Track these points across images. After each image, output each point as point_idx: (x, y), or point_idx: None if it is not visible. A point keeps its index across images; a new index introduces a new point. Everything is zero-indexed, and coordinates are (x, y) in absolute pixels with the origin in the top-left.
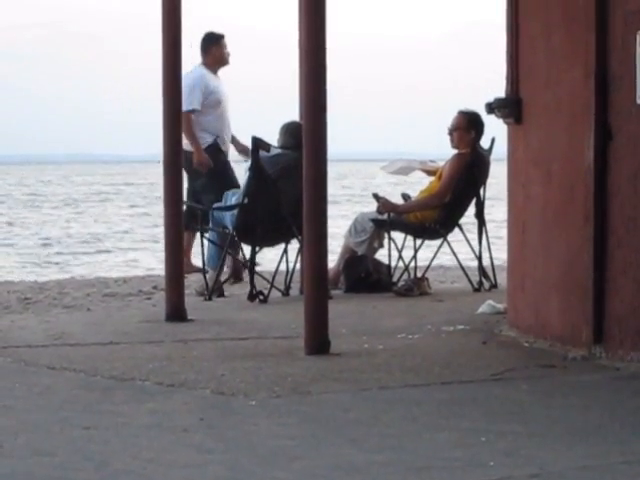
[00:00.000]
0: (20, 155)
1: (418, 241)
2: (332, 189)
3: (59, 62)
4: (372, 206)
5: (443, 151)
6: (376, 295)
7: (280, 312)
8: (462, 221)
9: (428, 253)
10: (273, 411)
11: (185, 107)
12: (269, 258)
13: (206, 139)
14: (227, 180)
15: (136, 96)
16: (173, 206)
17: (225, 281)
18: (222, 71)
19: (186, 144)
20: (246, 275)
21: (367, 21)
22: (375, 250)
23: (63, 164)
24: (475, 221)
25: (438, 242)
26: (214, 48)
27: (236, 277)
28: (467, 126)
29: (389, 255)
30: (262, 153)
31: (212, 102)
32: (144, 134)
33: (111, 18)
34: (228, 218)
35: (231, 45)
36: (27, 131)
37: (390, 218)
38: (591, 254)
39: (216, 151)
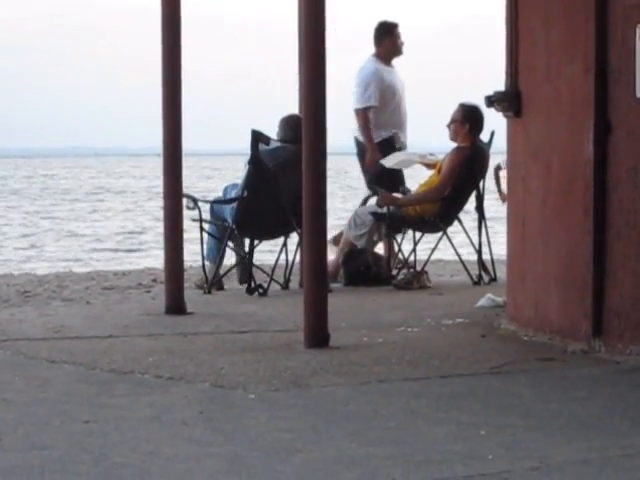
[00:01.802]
0: (21, 148)
1: (418, 234)
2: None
3: (59, 55)
4: (371, 199)
5: (443, 144)
6: (375, 288)
7: (279, 305)
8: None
9: (428, 246)
10: (272, 404)
11: (361, 104)
12: (269, 251)
13: (382, 134)
14: (392, 179)
15: (138, 88)
16: (172, 198)
17: (225, 274)
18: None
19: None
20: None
21: (365, 13)
22: (375, 244)
23: (67, 157)
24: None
25: (438, 235)
26: (388, 39)
27: (244, 277)
28: (462, 119)
29: (388, 248)
30: (262, 146)
31: (388, 96)
32: (145, 127)
33: (111, 10)
34: (228, 211)
35: (232, 36)
36: (28, 124)
37: (390, 212)
38: (590, 247)
39: (389, 147)
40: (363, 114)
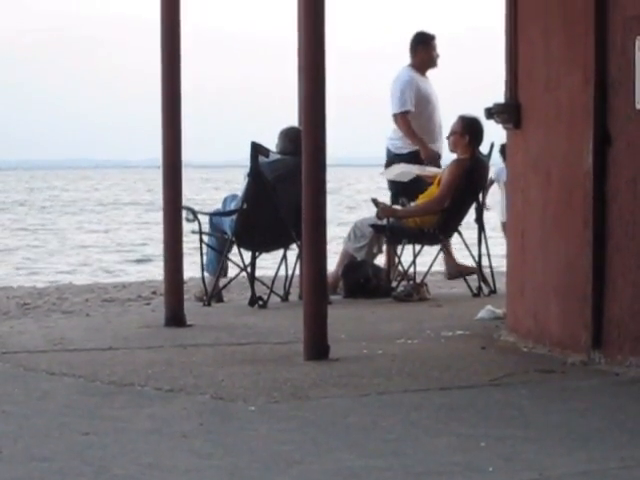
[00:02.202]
0: (21, 161)
1: (417, 246)
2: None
3: (59, 67)
4: (371, 211)
5: (445, 156)
6: (375, 300)
7: (279, 317)
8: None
9: (427, 258)
10: (272, 416)
11: (398, 108)
12: (268, 263)
13: (412, 145)
14: (421, 186)
15: (138, 100)
16: (172, 210)
17: (224, 286)
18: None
19: (393, 146)
20: (245, 280)
21: (368, 26)
22: (374, 256)
23: (68, 169)
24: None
25: (437, 247)
26: (423, 50)
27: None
28: (462, 131)
29: (388, 260)
30: (261, 159)
31: (422, 105)
32: (146, 139)
33: (111, 22)
34: (227, 223)
35: (231, 50)
36: (28, 136)
37: (389, 224)
38: (590, 259)
39: (417, 158)
40: (403, 118)
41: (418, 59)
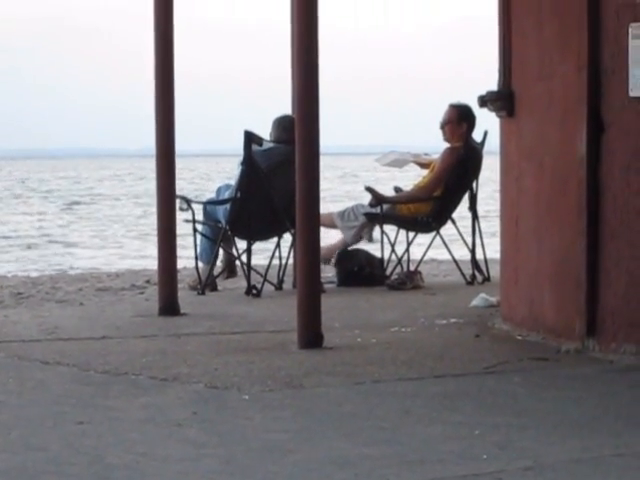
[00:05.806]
0: (19, 150)
1: (411, 234)
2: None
3: (57, 56)
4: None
5: (437, 144)
6: (369, 289)
7: (273, 306)
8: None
9: (421, 247)
10: (266, 405)
11: None
12: (262, 249)
13: None
14: None
15: (136, 89)
16: (166, 199)
17: (218, 275)
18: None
19: None
20: (240, 270)
21: (360, 15)
22: (359, 240)
23: (67, 158)
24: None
25: (431, 235)
26: None
27: (230, 272)
28: (458, 119)
29: (382, 248)
30: (254, 147)
31: None
32: (143, 128)
33: (109, 12)
34: (221, 212)
35: (224, 39)
36: (26, 125)
37: (383, 211)
38: (584, 246)
39: None
40: None
41: None
